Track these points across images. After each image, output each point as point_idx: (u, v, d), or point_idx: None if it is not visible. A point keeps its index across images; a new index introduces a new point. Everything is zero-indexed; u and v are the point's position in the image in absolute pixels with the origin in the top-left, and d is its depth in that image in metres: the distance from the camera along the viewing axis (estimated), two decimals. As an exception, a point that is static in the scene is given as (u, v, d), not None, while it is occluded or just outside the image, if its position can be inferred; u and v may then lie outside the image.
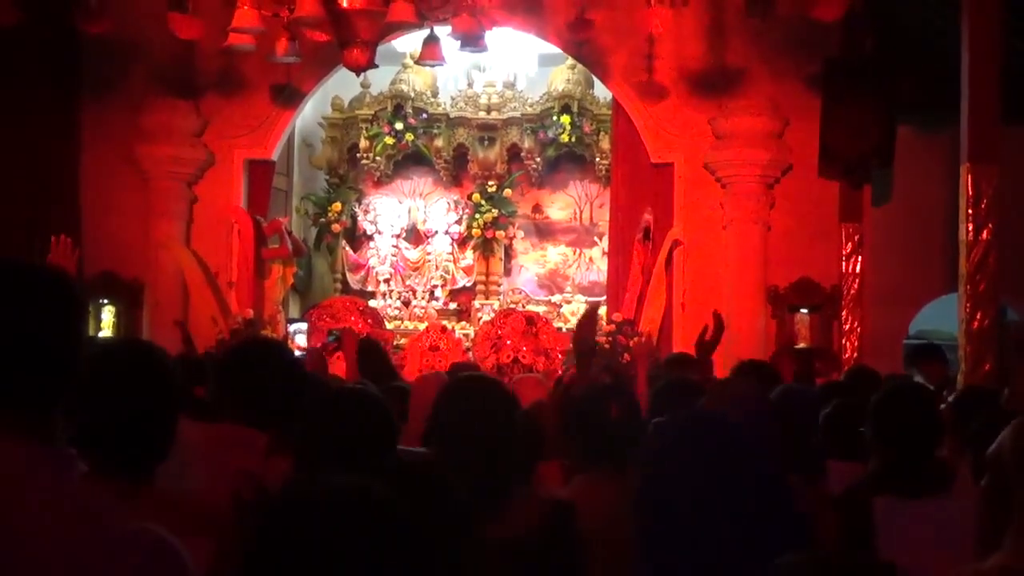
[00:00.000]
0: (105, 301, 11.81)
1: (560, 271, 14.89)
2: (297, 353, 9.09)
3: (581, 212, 14.88)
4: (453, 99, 14.68)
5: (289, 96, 12.16)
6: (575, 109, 14.04)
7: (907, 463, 3.67)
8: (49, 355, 1.80)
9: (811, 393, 5.01)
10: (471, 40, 9.64)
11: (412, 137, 14.43)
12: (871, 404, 3.85)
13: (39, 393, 1.79)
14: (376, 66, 9.70)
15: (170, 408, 2.51)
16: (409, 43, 12.87)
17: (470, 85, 14.76)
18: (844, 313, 11.18)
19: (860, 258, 11.19)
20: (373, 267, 14.92)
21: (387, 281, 14.85)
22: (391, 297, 14.71)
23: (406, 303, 14.64)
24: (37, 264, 1.90)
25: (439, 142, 14.54)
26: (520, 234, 14.90)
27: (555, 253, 14.96)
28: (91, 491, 1.81)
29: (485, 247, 14.67)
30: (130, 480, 2.36)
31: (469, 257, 14.84)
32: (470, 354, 11.97)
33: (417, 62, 11.78)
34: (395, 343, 12.67)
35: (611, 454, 3.46)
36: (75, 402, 1.92)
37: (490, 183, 14.60)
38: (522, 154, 14.53)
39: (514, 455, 3.01)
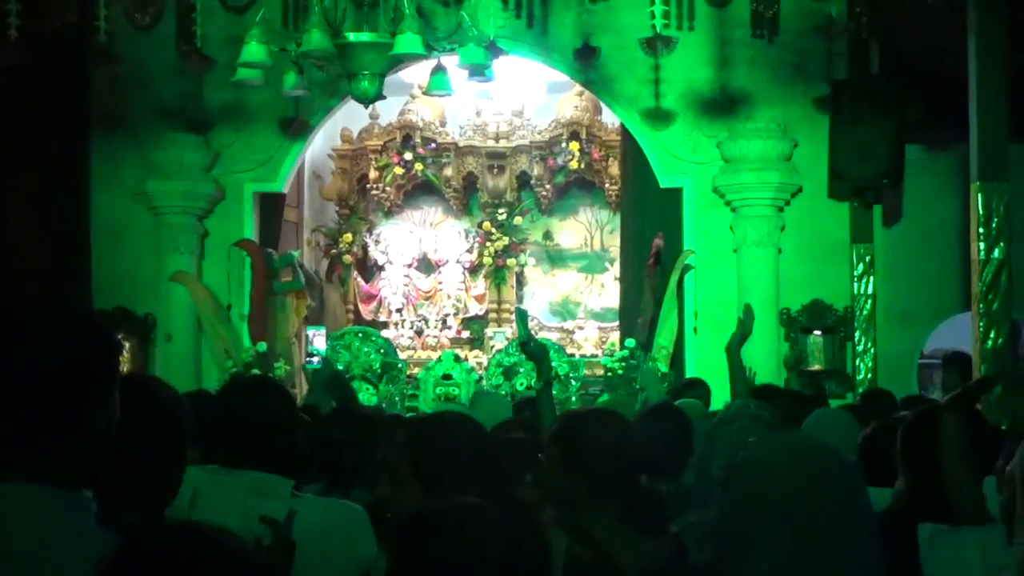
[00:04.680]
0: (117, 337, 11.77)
1: (572, 297, 14.87)
2: None
3: (592, 238, 14.88)
4: (462, 128, 14.72)
5: (298, 128, 12.18)
6: (583, 135, 14.06)
7: (944, 489, 3.36)
8: (40, 394, 1.75)
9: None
10: (478, 70, 9.66)
11: (421, 167, 14.47)
12: (904, 424, 3.60)
13: (33, 433, 1.75)
14: (384, 97, 9.70)
15: (172, 446, 2.43)
16: (417, 73, 12.91)
17: (478, 114, 14.80)
18: (857, 334, 11.15)
19: (872, 279, 11.16)
20: (385, 297, 14.92)
21: (399, 311, 14.86)
22: (403, 327, 14.71)
23: (418, 332, 14.64)
24: (51, 304, 1.84)
25: (448, 171, 14.57)
26: (531, 261, 14.90)
27: (567, 279, 14.94)
28: (95, 531, 1.78)
29: (496, 275, 14.67)
30: (137, 519, 2.31)
31: (481, 285, 14.84)
32: (483, 382, 11.95)
33: (425, 92, 11.80)
34: (408, 372, 12.64)
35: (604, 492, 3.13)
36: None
37: (500, 211, 14.61)
38: (532, 181, 14.55)
39: None
